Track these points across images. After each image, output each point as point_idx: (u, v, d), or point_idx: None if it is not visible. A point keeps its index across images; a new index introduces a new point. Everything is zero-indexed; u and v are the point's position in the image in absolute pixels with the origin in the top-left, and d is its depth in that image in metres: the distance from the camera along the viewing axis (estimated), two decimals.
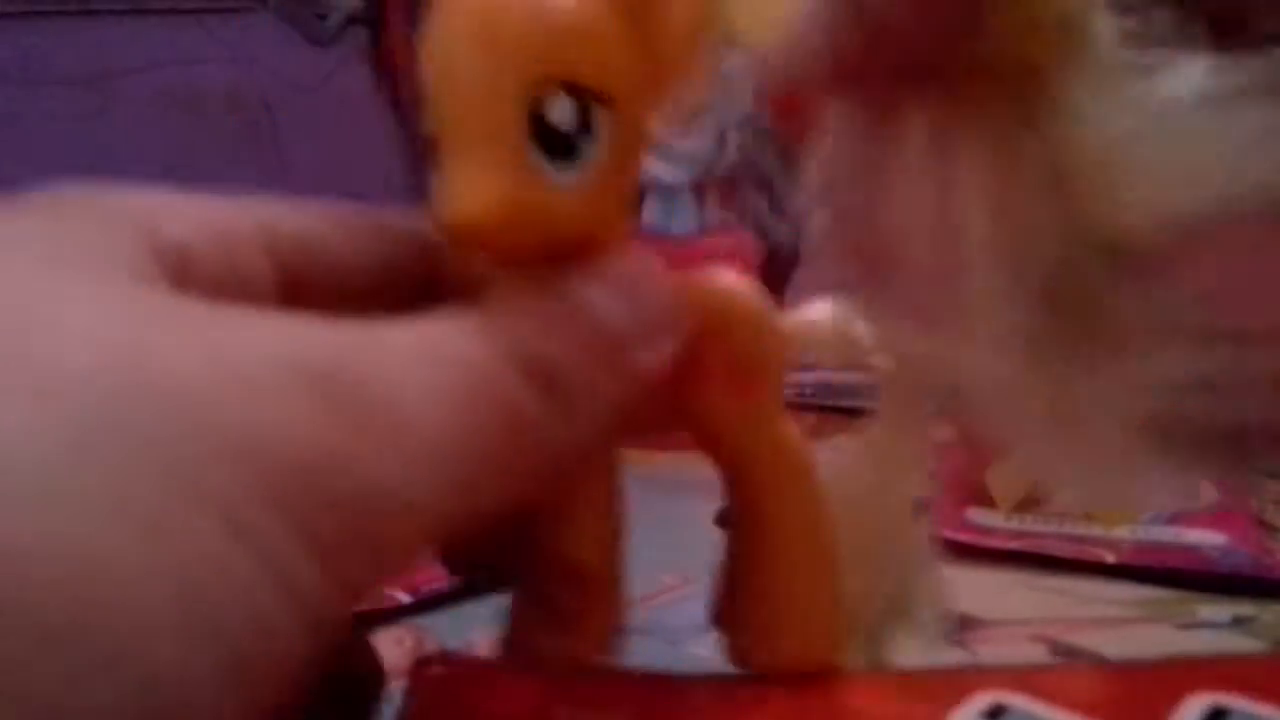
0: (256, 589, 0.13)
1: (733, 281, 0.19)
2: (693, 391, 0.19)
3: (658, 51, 0.17)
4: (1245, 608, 0.34)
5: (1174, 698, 0.17)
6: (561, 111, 0.16)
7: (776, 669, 0.20)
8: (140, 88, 0.58)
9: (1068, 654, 0.31)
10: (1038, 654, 0.31)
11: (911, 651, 0.22)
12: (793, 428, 0.20)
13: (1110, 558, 0.37)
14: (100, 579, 0.11)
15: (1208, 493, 0.43)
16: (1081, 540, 0.39)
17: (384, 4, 0.61)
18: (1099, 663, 0.30)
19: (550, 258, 0.17)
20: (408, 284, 0.20)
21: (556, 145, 0.16)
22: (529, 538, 0.20)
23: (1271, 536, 0.40)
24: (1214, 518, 0.41)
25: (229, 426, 0.13)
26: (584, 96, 0.16)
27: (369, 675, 0.21)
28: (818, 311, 0.22)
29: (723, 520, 0.21)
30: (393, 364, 0.15)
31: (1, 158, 0.58)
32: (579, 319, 0.17)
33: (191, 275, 0.17)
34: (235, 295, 0.17)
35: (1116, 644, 0.32)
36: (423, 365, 0.15)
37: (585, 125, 0.17)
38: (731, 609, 0.21)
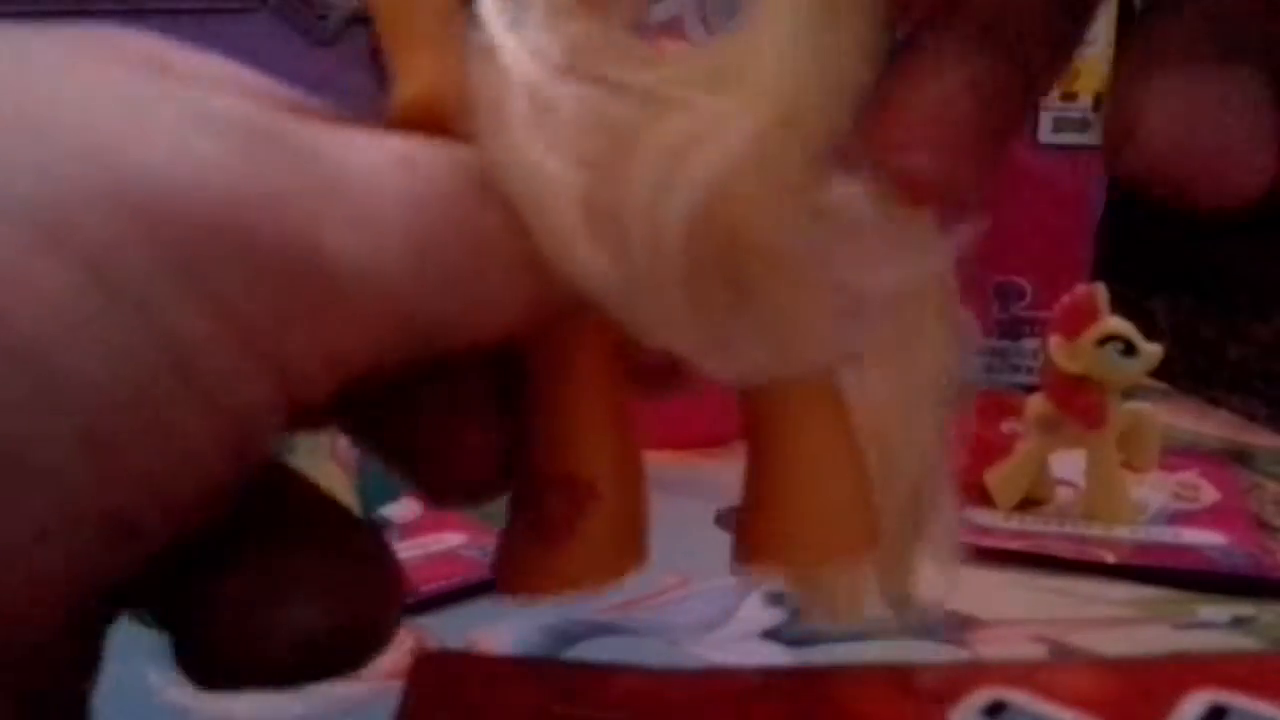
0: (134, 354, 0.11)
1: None
2: None
3: None
4: (1245, 608, 0.34)
5: (1174, 695, 0.17)
6: None
7: (796, 564, 0.19)
8: None
9: (1068, 654, 0.31)
10: (1038, 654, 0.31)
11: (926, 575, 0.20)
12: None
13: (1110, 558, 0.37)
14: None
15: (1208, 493, 0.44)
16: (1081, 540, 0.39)
17: None
18: (1099, 660, 0.30)
19: None
20: None
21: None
22: (522, 452, 0.19)
23: (1271, 536, 0.40)
24: (1214, 518, 0.41)
25: (113, 169, 0.11)
26: None
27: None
28: None
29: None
30: (346, 139, 0.14)
31: None
32: None
33: None
34: None
35: (1116, 644, 0.32)
36: (381, 153, 0.14)
37: None
38: (749, 506, 0.19)
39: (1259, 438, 0.53)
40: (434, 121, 0.16)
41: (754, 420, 0.19)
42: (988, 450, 0.43)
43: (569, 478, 0.18)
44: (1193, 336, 0.66)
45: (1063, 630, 0.32)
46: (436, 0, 0.17)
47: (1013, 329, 0.61)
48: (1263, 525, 0.41)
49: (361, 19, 0.60)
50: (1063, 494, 0.43)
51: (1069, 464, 0.42)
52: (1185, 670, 0.18)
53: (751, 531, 0.19)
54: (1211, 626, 0.33)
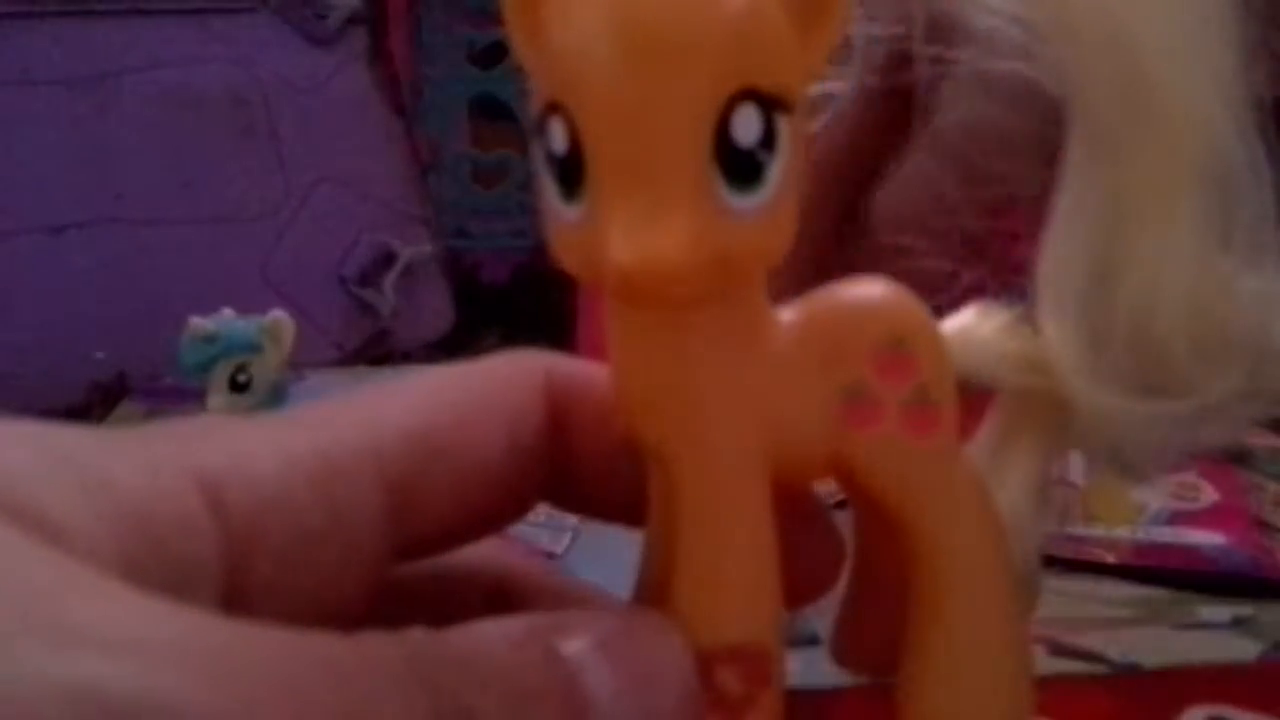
0: None
1: (900, 296, 0.17)
2: (861, 433, 0.16)
3: (813, 47, 0.15)
4: (1245, 608, 0.34)
5: (1174, 709, 0.17)
6: (748, 126, 0.14)
7: None
8: (140, 88, 0.58)
9: (1068, 654, 0.31)
10: (1038, 654, 0.31)
11: None
12: (973, 469, 0.17)
13: (1110, 558, 0.37)
14: None
15: (1208, 493, 0.44)
16: (1081, 540, 0.39)
17: (384, 4, 0.61)
18: (1098, 667, 0.30)
19: (714, 296, 0.15)
20: (532, 457, 0.17)
21: (741, 167, 0.14)
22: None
23: (1271, 536, 0.40)
24: (1214, 518, 0.41)
25: None
26: (768, 106, 0.14)
27: None
28: (973, 323, 0.18)
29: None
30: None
31: (1, 158, 0.58)
32: (570, 694, 0.14)
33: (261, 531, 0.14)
34: (334, 545, 0.15)
35: (1116, 644, 0.32)
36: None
37: (769, 141, 0.14)
38: (900, 673, 0.18)
39: (1259, 438, 0.53)
40: (662, 292, 0.14)
41: (911, 610, 0.17)
42: None
43: (744, 649, 0.16)
44: None
45: (1063, 630, 0.32)
46: (685, 136, 0.13)
47: None
48: (1263, 525, 0.41)
49: (361, 19, 0.60)
50: (1063, 494, 0.43)
51: (1069, 464, 0.42)
52: (1185, 682, 0.18)
53: (908, 692, 0.17)
54: (1211, 626, 0.33)
